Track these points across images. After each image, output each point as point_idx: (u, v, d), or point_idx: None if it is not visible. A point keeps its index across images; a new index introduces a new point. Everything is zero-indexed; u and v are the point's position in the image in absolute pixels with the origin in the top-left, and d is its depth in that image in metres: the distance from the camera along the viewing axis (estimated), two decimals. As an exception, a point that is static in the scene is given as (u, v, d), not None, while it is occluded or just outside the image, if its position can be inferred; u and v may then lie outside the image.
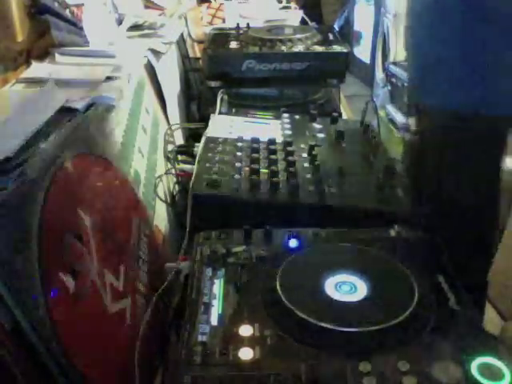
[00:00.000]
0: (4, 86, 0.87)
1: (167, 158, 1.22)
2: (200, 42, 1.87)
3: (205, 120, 1.23)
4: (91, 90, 0.89)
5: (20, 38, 0.93)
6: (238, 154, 1.02)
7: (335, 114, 1.23)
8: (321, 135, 1.13)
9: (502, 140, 0.86)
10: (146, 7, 1.86)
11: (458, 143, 0.87)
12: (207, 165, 0.97)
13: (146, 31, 1.43)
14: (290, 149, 1.02)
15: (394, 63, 2.40)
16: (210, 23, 2.05)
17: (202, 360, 0.57)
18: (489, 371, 0.54)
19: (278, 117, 1.24)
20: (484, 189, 0.91)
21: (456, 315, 0.62)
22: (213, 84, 1.40)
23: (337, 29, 1.73)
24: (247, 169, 0.95)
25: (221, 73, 1.40)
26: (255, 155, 1.00)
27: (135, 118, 1.06)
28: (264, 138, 1.09)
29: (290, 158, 0.98)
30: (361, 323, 0.60)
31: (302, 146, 1.07)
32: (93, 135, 0.81)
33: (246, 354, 0.57)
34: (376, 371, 0.54)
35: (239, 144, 1.06)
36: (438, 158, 0.90)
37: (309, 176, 0.94)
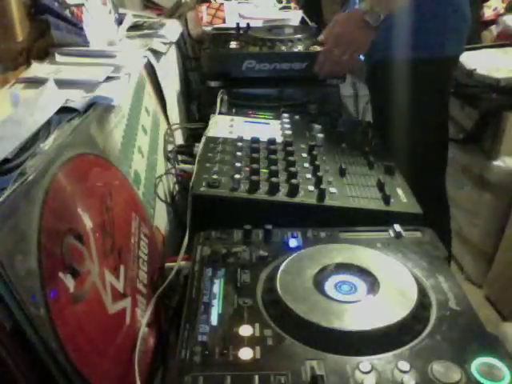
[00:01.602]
0: (4, 86, 0.87)
1: (167, 158, 1.22)
2: (200, 41, 1.87)
3: (205, 120, 1.23)
4: (91, 89, 0.89)
5: (20, 37, 0.93)
6: (238, 153, 1.02)
7: (335, 114, 1.23)
8: (321, 135, 1.13)
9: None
10: (146, 7, 1.86)
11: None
12: (207, 165, 0.97)
13: (146, 31, 1.43)
14: (289, 149, 1.02)
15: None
16: (210, 23, 2.05)
17: (202, 360, 0.57)
18: (489, 371, 0.54)
19: (277, 117, 1.24)
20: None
21: (456, 315, 0.62)
22: (213, 84, 1.40)
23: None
24: (247, 169, 0.95)
25: (221, 73, 1.40)
26: (255, 155, 1.00)
27: (135, 118, 1.06)
28: (264, 138, 1.08)
29: (290, 158, 0.98)
30: (361, 323, 0.60)
31: (302, 146, 1.07)
32: (93, 135, 0.81)
33: (245, 353, 0.57)
34: (376, 371, 0.55)
35: (239, 144, 1.06)
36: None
37: (309, 176, 0.94)
